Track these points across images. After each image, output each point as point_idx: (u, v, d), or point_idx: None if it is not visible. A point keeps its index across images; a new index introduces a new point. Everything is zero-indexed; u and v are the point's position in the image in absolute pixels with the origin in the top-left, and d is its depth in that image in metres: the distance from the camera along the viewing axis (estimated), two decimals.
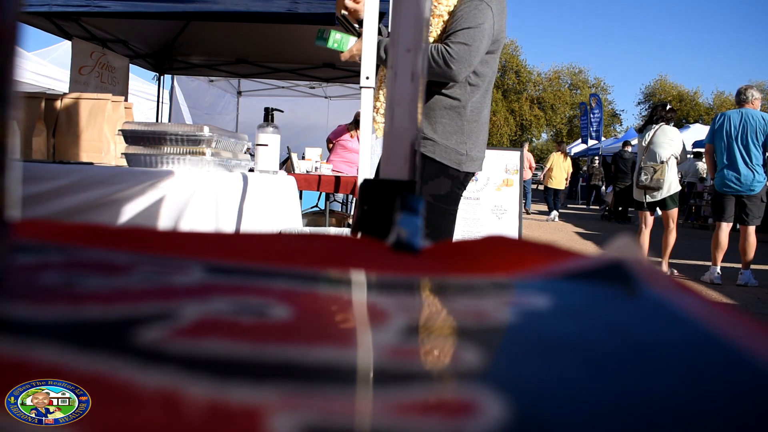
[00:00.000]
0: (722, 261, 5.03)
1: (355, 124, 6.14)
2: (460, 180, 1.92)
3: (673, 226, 5.24)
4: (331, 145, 5.86)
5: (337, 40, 1.81)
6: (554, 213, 11.57)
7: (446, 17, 1.81)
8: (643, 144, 5.28)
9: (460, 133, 1.86)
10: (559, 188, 11.84)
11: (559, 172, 11.88)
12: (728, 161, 4.84)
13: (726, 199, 4.89)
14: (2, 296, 0.25)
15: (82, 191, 1.51)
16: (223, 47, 6.03)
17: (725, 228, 4.91)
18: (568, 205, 17.06)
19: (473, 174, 2.00)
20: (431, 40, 1.80)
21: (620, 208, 11.63)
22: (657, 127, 5.26)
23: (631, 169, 11.03)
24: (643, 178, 5.15)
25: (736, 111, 4.89)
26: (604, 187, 15.76)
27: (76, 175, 1.52)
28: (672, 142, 5.15)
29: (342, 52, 1.85)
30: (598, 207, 16.43)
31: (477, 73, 1.87)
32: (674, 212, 5.26)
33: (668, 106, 5.34)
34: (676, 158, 5.18)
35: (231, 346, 0.21)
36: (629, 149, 11.49)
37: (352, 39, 1.83)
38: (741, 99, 4.88)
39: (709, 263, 5.14)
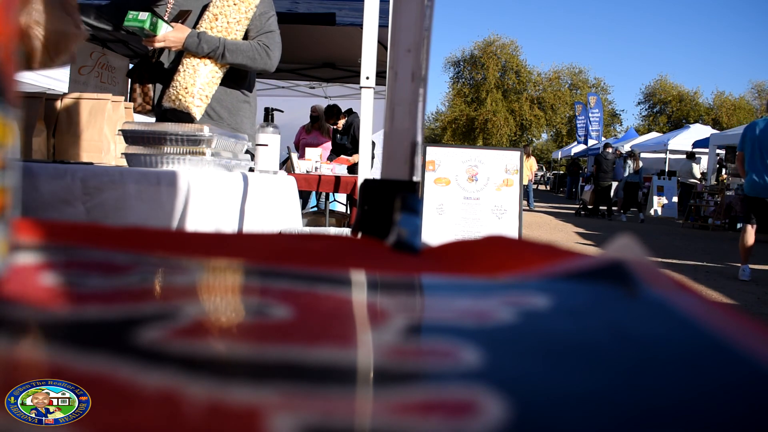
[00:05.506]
0: (724, 261, 5.08)
1: (311, 121, 6.41)
2: None
3: None
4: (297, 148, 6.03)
5: (153, 23, 2.06)
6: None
7: (245, 22, 2.16)
8: None
9: (253, 120, 2.40)
10: (524, 184, 13.36)
11: (523, 170, 13.36)
12: (755, 167, 4.97)
13: (753, 202, 4.99)
14: (2, 296, 0.25)
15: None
16: None
17: (750, 230, 5.05)
18: (569, 205, 17.15)
19: None
20: (238, 37, 2.13)
21: (597, 206, 12.44)
22: None
23: (612, 169, 12.02)
24: None
25: (763, 119, 5.01)
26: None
27: (75, 173, 1.52)
28: None
29: (156, 35, 2.10)
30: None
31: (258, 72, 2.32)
32: None
33: None
34: None
35: (231, 346, 0.21)
36: (610, 150, 12.51)
37: (166, 26, 2.10)
38: None
39: (709, 263, 5.21)
